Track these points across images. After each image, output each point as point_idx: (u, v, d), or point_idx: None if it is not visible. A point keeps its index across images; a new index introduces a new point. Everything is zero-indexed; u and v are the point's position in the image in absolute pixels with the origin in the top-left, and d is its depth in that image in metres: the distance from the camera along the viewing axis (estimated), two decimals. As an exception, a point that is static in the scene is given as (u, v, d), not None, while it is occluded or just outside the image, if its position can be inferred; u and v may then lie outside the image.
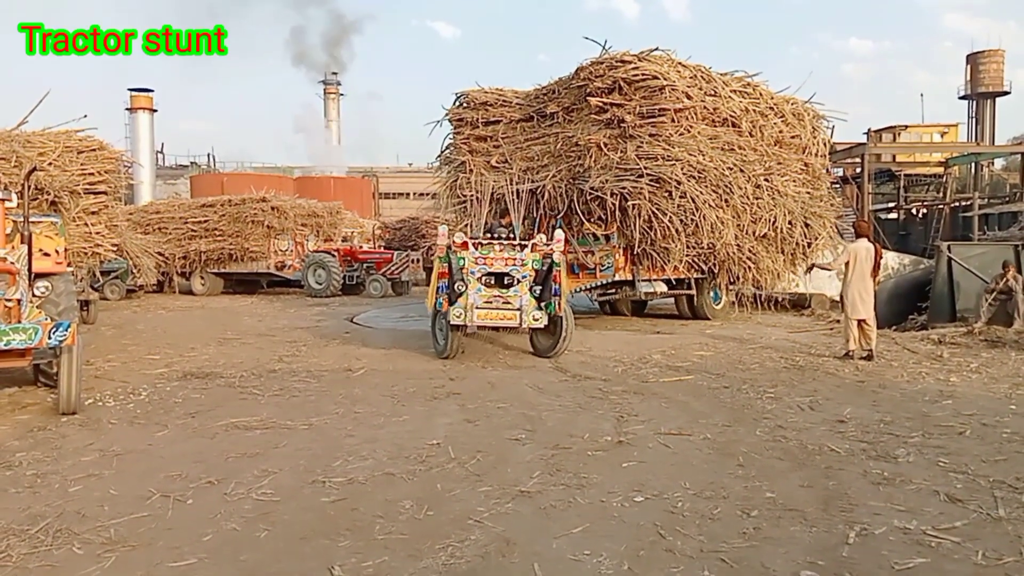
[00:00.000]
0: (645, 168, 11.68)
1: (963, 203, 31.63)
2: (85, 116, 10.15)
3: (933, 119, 44.94)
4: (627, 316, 15.04)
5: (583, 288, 12.97)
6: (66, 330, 6.03)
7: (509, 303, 9.19)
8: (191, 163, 65.92)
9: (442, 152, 15.13)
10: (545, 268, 9.42)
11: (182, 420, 6.23)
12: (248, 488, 4.43)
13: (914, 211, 35.33)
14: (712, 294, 14.00)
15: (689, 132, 12.16)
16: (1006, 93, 61.34)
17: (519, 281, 9.30)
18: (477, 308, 9.07)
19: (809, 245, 13.67)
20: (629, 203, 11.73)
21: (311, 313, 16.37)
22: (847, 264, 9.06)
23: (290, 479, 4.62)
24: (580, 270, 12.78)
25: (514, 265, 9.36)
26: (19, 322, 6.11)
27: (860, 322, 8.93)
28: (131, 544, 3.63)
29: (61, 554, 3.53)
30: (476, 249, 9.40)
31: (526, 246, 9.52)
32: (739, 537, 3.65)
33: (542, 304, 9.26)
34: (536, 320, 9.20)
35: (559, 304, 9.19)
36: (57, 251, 9.06)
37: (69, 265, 9.93)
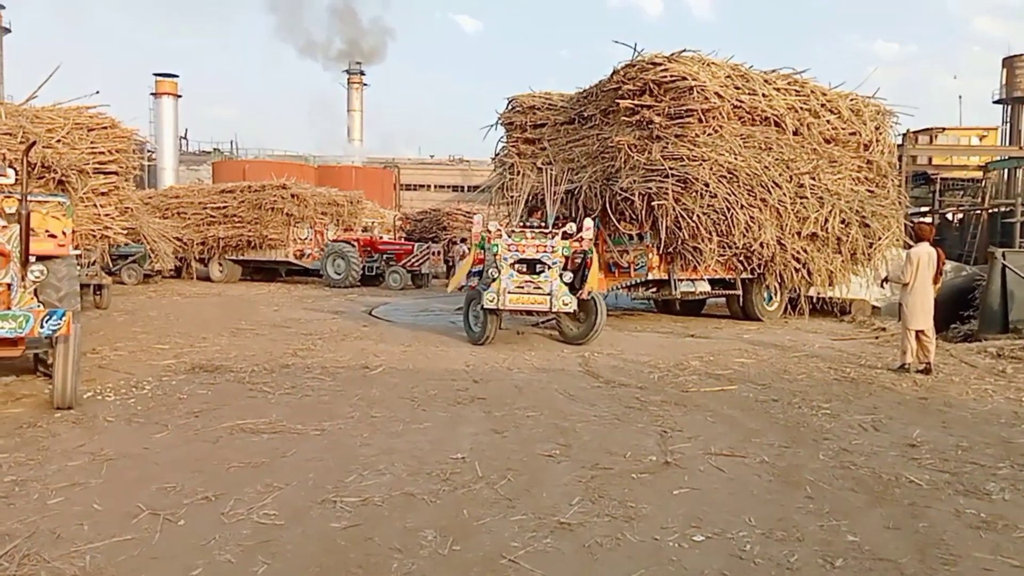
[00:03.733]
0: (671, 169, 11.61)
1: (1002, 208, 30.56)
2: (97, 92, 9.71)
3: (963, 123, 43.74)
4: (677, 315, 14.67)
5: (620, 287, 12.84)
6: (60, 319, 5.53)
7: (540, 288, 9.71)
8: (214, 149, 65.90)
9: (496, 154, 15.51)
10: (579, 259, 10.03)
11: (184, 420, 5.72)
12: (249, 507, 3.89)
13: (950, 216, 34.30)
14: (766, 295, 13.45)
15: (718, 132, 11.90)
16: (1044, 98, 59.68)
17: (550, 267, 9.79)
18: (509, 293, 9.61)
19: (871, 246, 13.19)
20: (655, 203, 11.62)
21: (329, 304, 15.88)
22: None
23: (297, 497, 4.08)
24: (616, 269, 12.82)
25: (545, 252, 9.85)
26: (9, 308, 5.61)
27: (918, 333, 8.25)
28: (107, 576, 3.10)
29: (24, 587, 3.00)
30: (509, 236, 9.92)
31: (556, 234, 9.97)
32: (825, 594, 3.06)
33: (572, 290, 9.73)
34: (566, 305, 9.71)
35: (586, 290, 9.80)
36: (64, 233, 8.61)
37: (76, 248, 9.49)
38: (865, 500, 4.20)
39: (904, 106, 14.87)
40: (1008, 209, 29.13)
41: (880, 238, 13.32)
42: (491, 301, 9.56)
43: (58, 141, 8.97)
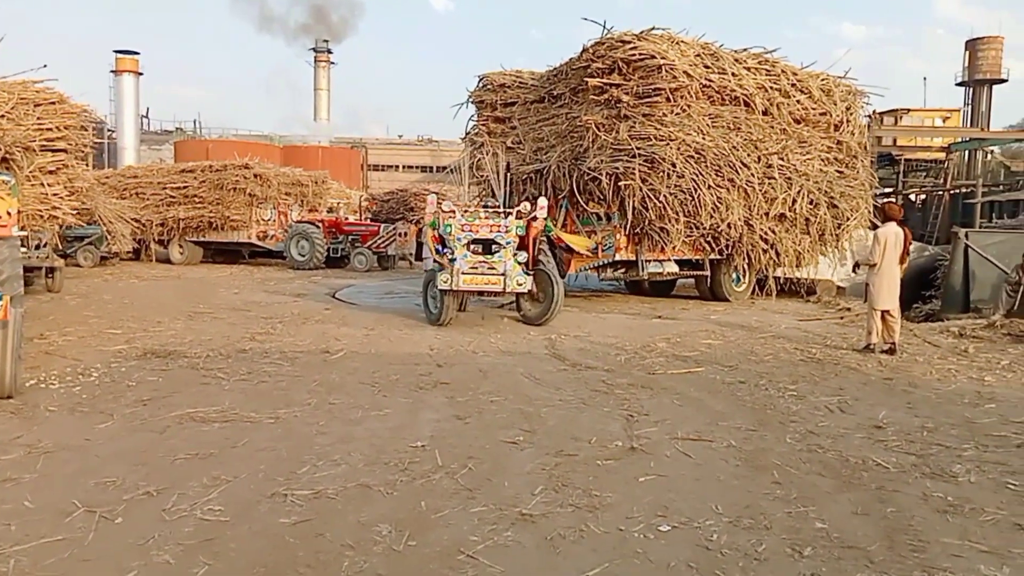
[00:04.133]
0: (638, 148, 11.47)
1: (964, 190, 31.03)
2: (45, 66, 9.24)
3: (927, 105, 44.28)
4: (647, 296, 14.61)
5: (587, 268, 12.69)
6: (-4, 303, 5.23)
7: (494, 268, 9.64)
8: (176, 128, 64.37)
9: (467, 133, 15.14)
10: (536, 236, 9.94)
11: (131, 408, 5.46)
12: (193, 502, 3.68)
13: (912, 197, 34.76)
14: (734, 276, 13.43)
15: (686, 111, 11.75)
16: (1003, 81, 60.65)
17: (504, 247, 9.70)
18: (463, 273, 9.55)
19: (839, 226, 13.24)
20: (623, 184, 11.49)
21: (291, 287, 15.54)
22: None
23: (246, 490, 3.88)
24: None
25: (499, 231, 9.75)
26: (-62, 293, 5.29)
27: (884, 313, 8.24)
28: (33, 581, 2.89)
29: (-60, 595, 2.78)
30: (462, 216, 9.82)
31: (510, 213, 9.88)
32: (794, 585, 2.95)
33: (528, 270, 9.72)
34: (520, 285, 9.69)
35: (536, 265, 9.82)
36: (8, 213, 8.21)
37: (23, 229, 9.09)
38: (832, 485, 4.12)
39: (874, 87, 14.91)
40: (969, 190, 29.56)
41: (848, 219, 13.37)
42: (445, 282, 9.52)
43: (2, 116, 8.52)
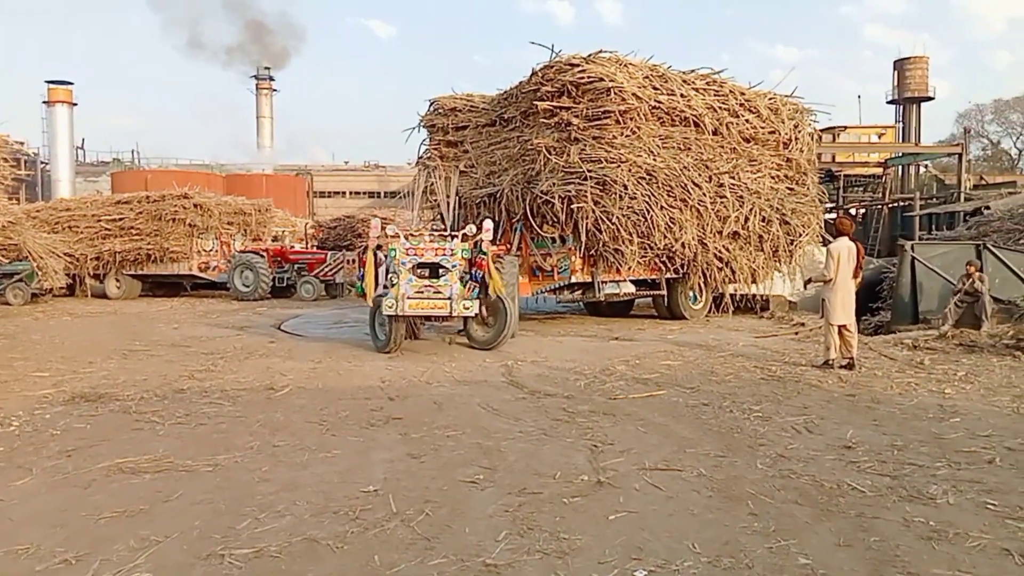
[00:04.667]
0: (589, 171, 11.43)
1: (901, 203, 31.93)
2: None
3: (866, 122, 45.67)
4: (605, 317, 14.51)
5: (544, 291, 12.61)
6: None
7: (440, 292, 9.52)
8: (114, 159, 62.57)
9: (419, 157, 14.94)
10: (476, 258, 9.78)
11: (54, 461, 4.99)
12: (117, 569, 3.29)
13: (852, 211, 35.65)
14: (691, 294, 13.39)
15: (635, 133, 11.79)
16: (930, 99, 63.14)
17: (449, 270, 9.58)
18: (409, 298, 9.45)
19: (792, 242, 13.38)
20: (575, 206, 11.43)
21: (235, 319, 14.96)
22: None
23: (178, 552, 3.49)
24: (540, 272, 12.56)
25: (444, 255, 9.65)
26: None
27: (841, 328, 8.20)
28: None
29: None
30: (407, 240, 9.72)
31: (456, 236, 9.79)
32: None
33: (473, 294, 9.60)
34: (467, 309, 9.51)
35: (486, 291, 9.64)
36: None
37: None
38: (811, 514, 3.92)
39: (820, 104, 15.16)
40: (907, 203, 30.42)
41: (800, 234, 13.52)
42: (390, 307, 9.41)
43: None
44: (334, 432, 5.72)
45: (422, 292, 9.51)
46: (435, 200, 13.09)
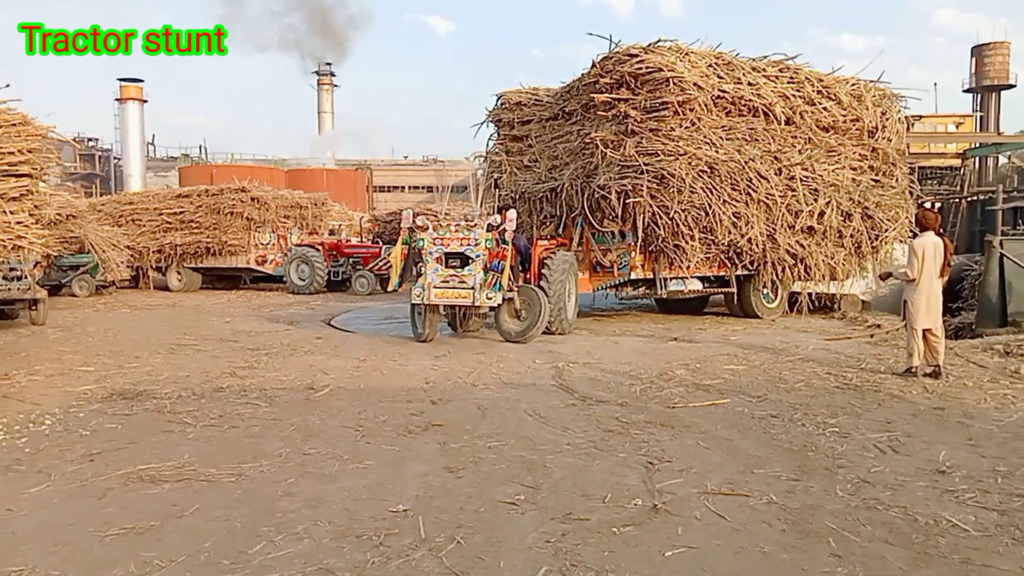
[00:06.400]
0: (645, 164, 10.95)
1: (981, 196, 30.11)
2: (8, 86, 8.66)
3: (941, 112, 43.42)
4: (676, 314, 13.92)
5: (604, 287, 12.22)
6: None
7: (464, 282, 9.68)
8: (182, 155, 64.20)
9: (487, 152, 14.97)
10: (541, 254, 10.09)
11: (75, 466, 4.74)
12: (110, 601, 2.95)
13: (928, 205, 33.87)
14: (765, 292, 12.72)
15: (695, 125, 11.21)
16: (1012, 86, 59.71)
17: (474, 260, 9.71)
18: (435, 287, 9.70)
19: (877, 238, 12.58)
20: (631, 201, 11.01)
21: (287, 313, 14.86)
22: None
23: (180, 580, 3.14)
24: (600, 268, 12.25)
25: (468, 245, 9.77)
26: None
27: (925, 332, 7.45)
28: None
29: None
30: (434, 230, 9.94)
31: (480, 226, 9.88)
32: None
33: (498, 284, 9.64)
34: (489, 299, 9.62)
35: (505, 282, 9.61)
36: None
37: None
38: (905, 557, 3.34)
39: (912, 89, 14.24)
40: (988, 197, 28.65)
41: (887, 229, 12.66)
42: (418, 296, 9.75)
43: (-41, 141, 7.90)
44: (369, 439, 5.35)
45: (447, 281, 9.72)
46: (500, 194, 13.43)
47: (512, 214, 9.94)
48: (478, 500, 4.10)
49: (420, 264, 9.82)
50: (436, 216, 11.20)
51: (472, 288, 9.60)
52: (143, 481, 4.44)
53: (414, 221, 10.21)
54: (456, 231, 9.92)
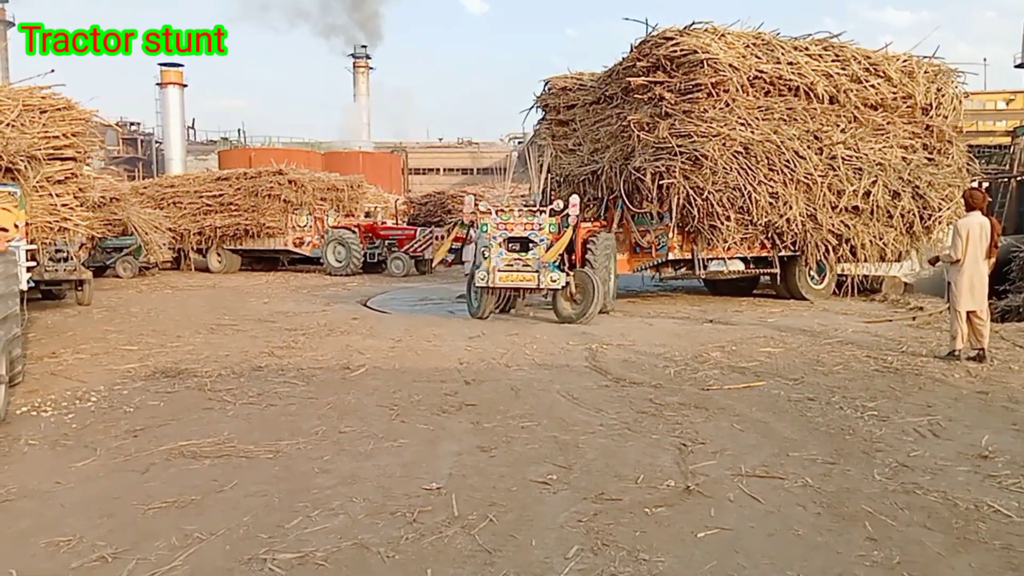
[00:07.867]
0: (678, 146, 11.03)
1: (1033, 176, 29.14)
2: (52, 71, 8.85)
3: (991, 88, 42.01)
4: (724, 295, 13.83)
5: (644, 267, 12.42)
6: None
7: (528, 265, 9.95)
8: (221, 138, 65.06)
9: (534, 137, 15.41)
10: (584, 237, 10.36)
11: (119, 442, 4.88)
12: (153, 571, 3.04)
13: (975, 184, 32.93)
14: (811, 273, 12.56)
15: (729, 106, 11.18)
16: (1068, 61, 57.59)
17: (538, 244, 9.98)
18: (499, 271, 9.98)
19: (930, 217, 12.31)
20: (665, 182, 11.11)
21: (324, 294, 15.05)
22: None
23: (219, 553, 3.22)
24: (639, 249, 12.39)
25: (532, 229, 10.06)
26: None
27: (969, 315, 7.27)
28: None
29: None
30: (497, 215, 10.22)
31: (544, 211, 10.14)
32: None
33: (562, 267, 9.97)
34: (554, 282, 9.85)
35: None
36: (16, 226, 7.80)
37: (32, 242, 8.68)
38: (943, 542, 3.29)
39: (962, 64, 13.85)
40: (1040, 176, 27.73)
41: (939, 209, 12.35)
42: (482, 279, 10.03)
43: (7, 125, 8.11)
44: (404, 418, 5.40)
45: (512, 265, 9.99)
46: (551, 177, 13.56)
47: (575, 199, 10.18)
48: (510, 479, 4.12)
49: (482, 248, 10.14)
50: (499, 201, 11.58)
51: (536, 271, 9.85)
52: (184, 457, 4.55)
53: (476, 206, 10.60)
54: (520, 216, 10.19)
